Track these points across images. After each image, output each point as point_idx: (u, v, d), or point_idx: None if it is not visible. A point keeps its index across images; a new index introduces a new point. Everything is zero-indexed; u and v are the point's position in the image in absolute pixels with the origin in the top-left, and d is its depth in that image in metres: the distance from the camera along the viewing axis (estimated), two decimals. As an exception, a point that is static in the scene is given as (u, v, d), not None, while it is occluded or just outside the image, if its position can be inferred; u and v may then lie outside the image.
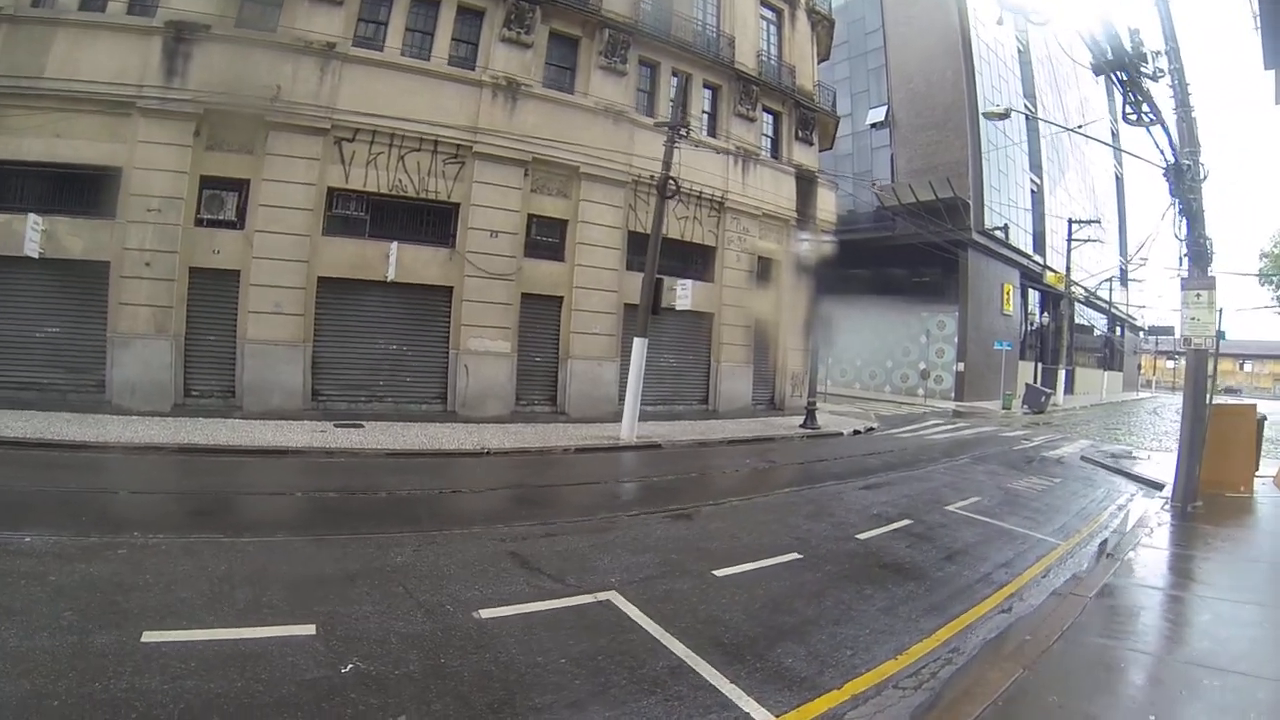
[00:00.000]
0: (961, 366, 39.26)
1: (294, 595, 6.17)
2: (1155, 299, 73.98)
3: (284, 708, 4.37)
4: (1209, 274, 12.41)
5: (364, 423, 16.21)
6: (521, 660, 5.23)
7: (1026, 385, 38.72)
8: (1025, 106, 47.84)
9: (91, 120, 15.95)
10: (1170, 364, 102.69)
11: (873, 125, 44.71)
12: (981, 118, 39.66)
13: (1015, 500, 12.94)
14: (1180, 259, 12.94)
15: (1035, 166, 48.67)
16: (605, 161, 20.40)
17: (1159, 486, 14.62)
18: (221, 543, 7.44)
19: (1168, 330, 71.79)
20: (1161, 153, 12.40)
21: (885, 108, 43.85)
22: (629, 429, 17.19)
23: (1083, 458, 19.38)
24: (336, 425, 15.66)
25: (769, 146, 25.92)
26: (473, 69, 19.44)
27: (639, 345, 17.58)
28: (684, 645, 5.65)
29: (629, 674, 5.14)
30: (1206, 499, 12.19)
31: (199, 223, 16.73)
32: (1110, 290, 58.78)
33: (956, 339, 39.68)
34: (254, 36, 17.06)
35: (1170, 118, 12.44)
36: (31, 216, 15.20)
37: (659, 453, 16.61)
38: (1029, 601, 7.37)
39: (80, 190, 16.10)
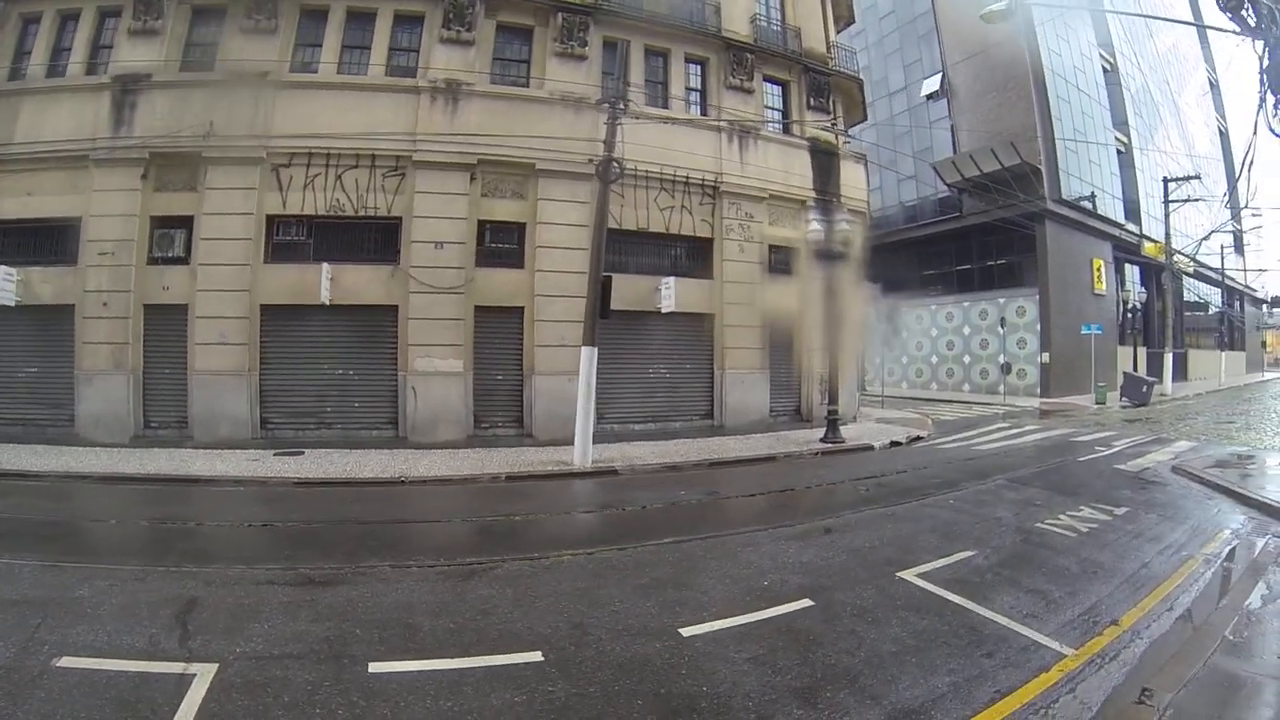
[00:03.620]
0: (1046, 358, 34.48)
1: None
2: (1277, 263, 66.63)
3: None
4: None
5: (306, 451, 15.93)
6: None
7: (1125, 374, 33.95)
8: (1101, 56, 43.05)
9: (55, 176, 17.14)
10: None
11: (928, 96, 40.50)
12: (1047, 73, 35.70)
13: (1033, 554, 8.67)
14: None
15: (1120, 124, 43.18)
16: (565, 154, 17.81)
17: (1278, 515, 10.41)
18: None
19: (1296, 299, 64.92)
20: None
21: (940, 75, 39.67)
22: (581, 452, 14.87)
23: (1174, 469, 14.76)
24: (276, 454, 15.47)
25: (778, 121, 22.44)
26: (414, 77, 18.15)
27: (587, 356, 15.05)
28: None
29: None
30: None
31: (151, 261, 17.27)
32: (1223, 259, 52.67)
33: (1039, 327, 35.02)
34: (192, 78, 17.56)
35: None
36: (2, 268, 16.61)
37: (607, 480, 14.10)
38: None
39: (49, 241, 17.34)
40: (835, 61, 24.07)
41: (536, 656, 5.61)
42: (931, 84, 40.29)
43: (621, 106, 15.45)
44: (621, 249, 18.84)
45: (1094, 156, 39.51)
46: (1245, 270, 59.39)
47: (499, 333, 18.14)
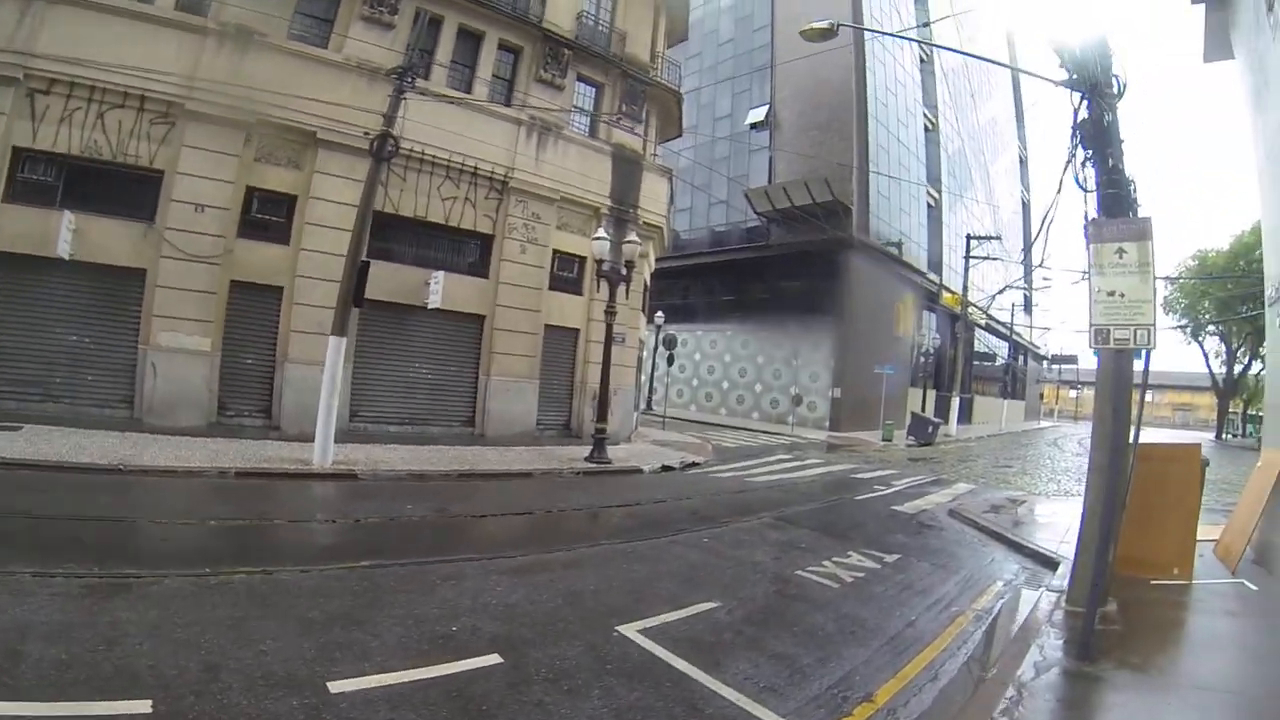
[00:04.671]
0: (838, 392, 35.69)
1: None
2: (1059, 323, 73.51)
3: None
4: (1139, 216, 7.47)
5: (25, 426, 13.26)
6: None
7: (913, 414, 35.60)
8: (925, 115, 45.51)
9: None
10: (1073, 393, 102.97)
11: (752, 125, 41.38)
12: (871, 120, 37.17)
13: (786, 609, 7.78)
14: (1085, 228, 8.95)
15: (934, 180, 45.96)
16: (352, 126, 16.41)
17: (1053, 566, 10.36)
18: None
19: (1070, 359, 71.72)
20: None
21: (767, 107, 40.63)
22: (321, 452, 13.45)
23: (951, 512, 14.78)
24: (-11, 430, 12.78)
25: (588, 125, 21.92)
26: (204, 15, 16.19)
27: (334, 346, 13.80)
28: None
29: None
30: (1124, 592, 7.91)
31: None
32: (1012, 316, 56.56)
33: (833, 362, 36.18)
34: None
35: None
36: None
37: (343, 485, 12.76)
38: None
39: None
40: (657, 73, 23.82)
41: (143, 708, 4.45)
42: (757, 114, 41.12)
43: (410, 80, 14.47)
44: (395, 236, 17.88)
45: (905, 205, 41.53)
46: (1031, 327, 64.44)
47: (254, 312, 16.60)
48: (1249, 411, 71.61)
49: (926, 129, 46.06)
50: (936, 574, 9.82)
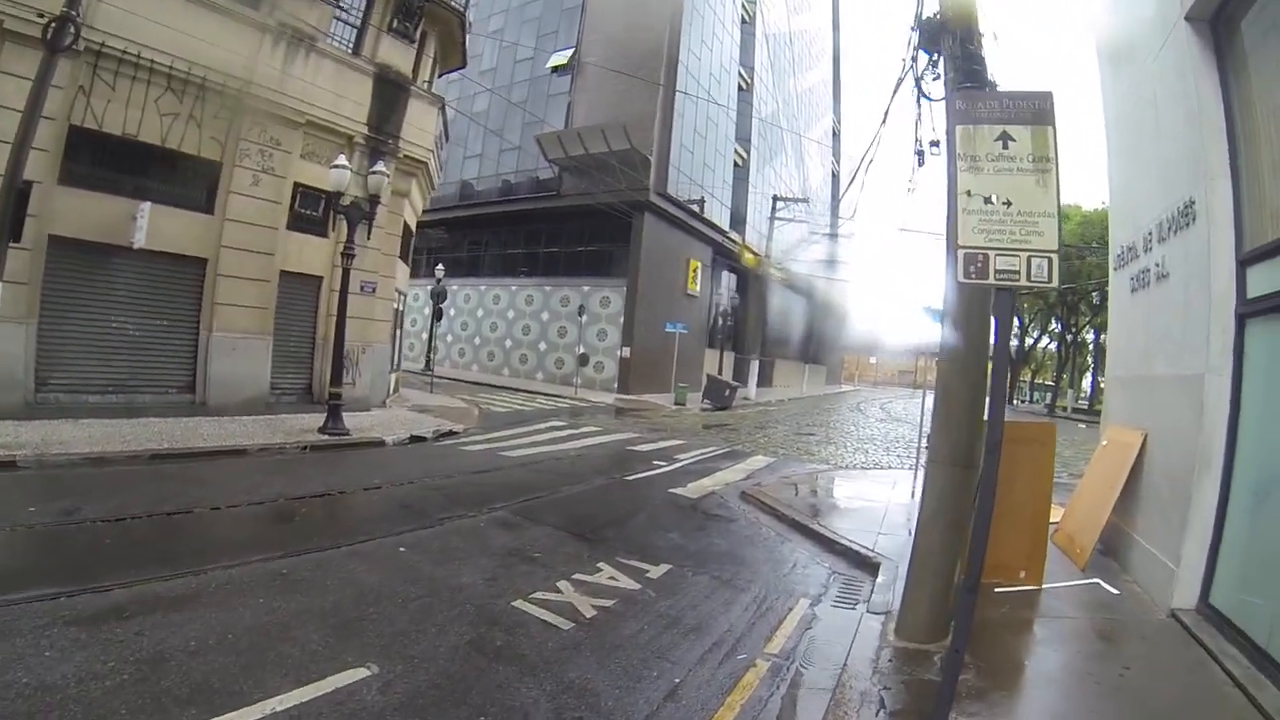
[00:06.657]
0: (627, 352, 34.56)
1: None
2: (862, 290, 76.96)
3: None
4: (1035, 91, 4.64)
5: None
6: None
7: (708, 376, 35.02)
8: (741, 74, 44.92)
9: None
10: (873, 359, 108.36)
11: (554, 69, 39.26)
12: (681, 69, 36.05)
13: (481, 675, 5.02)
14: (918, 145, 7.34)
15: (743, 139, 45.53)
16: (41, 15, 12.18)
17: (871, 568, 8.48)
18: None
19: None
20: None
21: (573, 51, 38.59)
22: None
23: (744, 495, 12.48)
24: None
25: (352, 40, 18.80)
26: None
27: None
28: None
29: None
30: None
31: None
32: (816, 282, 57.52)
33: (623, 320, 34.98)
34: None
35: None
36: None
37: None
38: None
39: None
40: (442, -12, 20.99)
41: None
42: (561, 57, 39.12)
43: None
44: (98, 158, 14.31)
45: (710, 161, 40.77)
46: (835, 281, 66.15)
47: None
48: (1036, 380, 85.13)
49: (741, 88, 45.58)
50: (719, 594, 7.39)
